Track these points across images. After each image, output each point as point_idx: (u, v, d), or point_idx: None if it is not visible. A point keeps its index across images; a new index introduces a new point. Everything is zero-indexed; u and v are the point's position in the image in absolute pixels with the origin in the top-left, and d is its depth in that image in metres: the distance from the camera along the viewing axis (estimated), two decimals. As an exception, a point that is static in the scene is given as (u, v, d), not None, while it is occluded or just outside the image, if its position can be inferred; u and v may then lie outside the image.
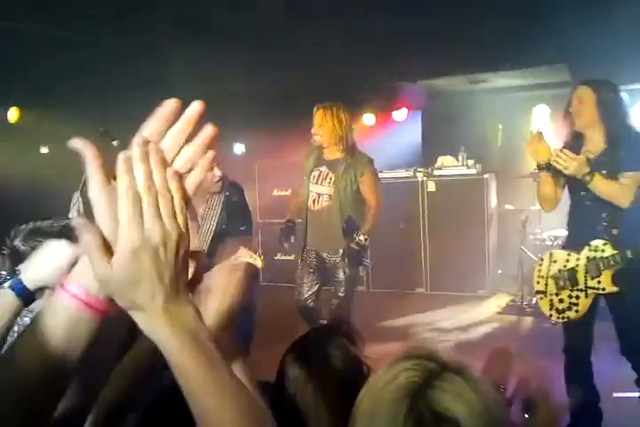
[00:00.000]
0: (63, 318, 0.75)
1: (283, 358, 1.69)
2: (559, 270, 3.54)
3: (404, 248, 7.53)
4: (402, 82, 7.85)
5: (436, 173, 7.56)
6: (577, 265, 3.46)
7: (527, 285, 6.70)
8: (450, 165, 7.55)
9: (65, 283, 0.77)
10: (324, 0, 5.10)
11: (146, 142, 0.72)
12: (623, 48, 5.53)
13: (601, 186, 3.31)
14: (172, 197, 0.73)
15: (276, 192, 7.81)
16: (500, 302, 6.95)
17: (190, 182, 0.76)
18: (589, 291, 3.41)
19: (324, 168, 4.61)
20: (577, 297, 3.45)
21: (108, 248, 0.70)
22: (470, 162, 7.41)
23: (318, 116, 4.52)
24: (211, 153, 0.77)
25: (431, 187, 7.50)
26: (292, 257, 8.08)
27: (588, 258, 3.41)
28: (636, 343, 3.36)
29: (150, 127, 0.75)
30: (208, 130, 0.77)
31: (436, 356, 1.04)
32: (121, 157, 0.71)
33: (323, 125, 4.49)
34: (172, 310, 0.73)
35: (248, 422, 0.80)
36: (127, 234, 0.69)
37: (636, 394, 3.41)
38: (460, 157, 7.50)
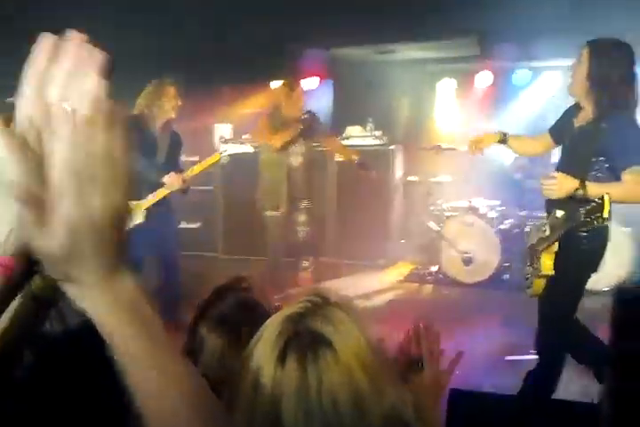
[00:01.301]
0: None
1: (191, 324, 1.65)
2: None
3: (309, 217, 7.52)
4: (313, 49, 7.77)
5: (344, 142, 7.57)
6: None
7: (428, 254, 6.91)
8: (357, 135, 7.58)
9: None
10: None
11: (100, 100, 0.62)
12: (535, 23, 5.64)
13: (602, 192, 2.78)
14: (116, 162, 0.64)
15: (184, 157, 7.55)
16: (402, 270, 7.12)
17: None
18: (537, 272, 3.13)
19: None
20: (530, 275, 3.22)
21: (42, 213, 0.62)
22: (378, 133, 7.47)
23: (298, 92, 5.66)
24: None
25: (338, 156, 7.51)
26: (195, 225, 7.96)
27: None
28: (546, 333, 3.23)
29: (41, 50, 0.65)
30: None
31: (324, 294, 1.12)
32: (60, 118, 0.61)
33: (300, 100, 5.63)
34: (108, 282, 0.66)
35: (193, 409, 0.70)
36: (63, 209, 0.61)
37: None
38: (367, 128, 7.55)
